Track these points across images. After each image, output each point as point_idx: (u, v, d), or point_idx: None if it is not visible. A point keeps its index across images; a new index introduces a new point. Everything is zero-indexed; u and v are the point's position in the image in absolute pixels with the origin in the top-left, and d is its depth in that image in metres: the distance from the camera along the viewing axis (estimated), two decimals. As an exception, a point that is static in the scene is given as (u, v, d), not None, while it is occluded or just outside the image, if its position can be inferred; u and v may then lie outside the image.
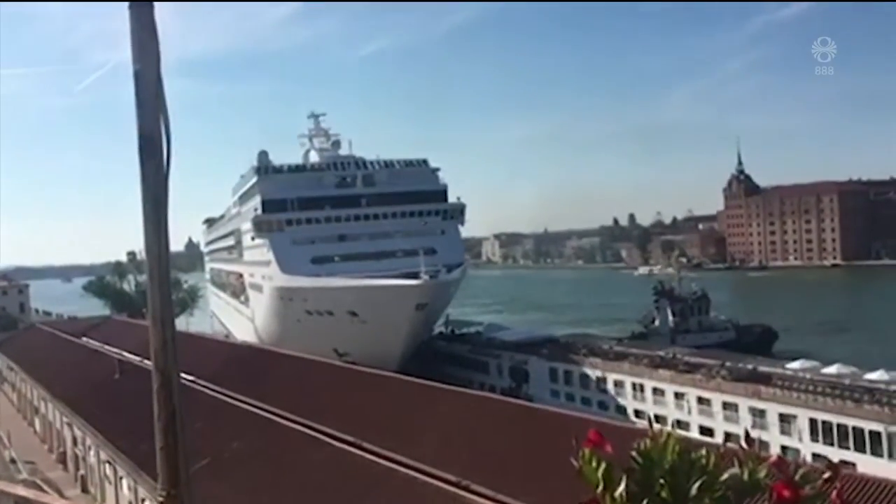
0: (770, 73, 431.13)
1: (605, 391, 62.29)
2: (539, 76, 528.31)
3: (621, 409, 59.85)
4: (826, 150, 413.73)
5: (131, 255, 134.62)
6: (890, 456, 42.34)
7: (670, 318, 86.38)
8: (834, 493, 1.53)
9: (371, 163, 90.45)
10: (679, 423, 54.52)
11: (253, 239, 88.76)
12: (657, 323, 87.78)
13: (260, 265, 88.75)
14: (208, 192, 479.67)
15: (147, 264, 2.43)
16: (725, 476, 1.54)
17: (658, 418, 56.06)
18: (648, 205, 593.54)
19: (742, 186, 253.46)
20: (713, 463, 1.54)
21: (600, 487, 1.56)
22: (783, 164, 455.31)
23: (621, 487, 1.53)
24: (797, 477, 1.50)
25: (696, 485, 1.51)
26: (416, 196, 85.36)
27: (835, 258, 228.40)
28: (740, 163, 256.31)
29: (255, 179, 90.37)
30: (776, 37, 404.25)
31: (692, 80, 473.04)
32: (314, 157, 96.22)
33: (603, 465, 1.55)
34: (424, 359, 73.84)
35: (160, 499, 2.49)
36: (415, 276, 68.53)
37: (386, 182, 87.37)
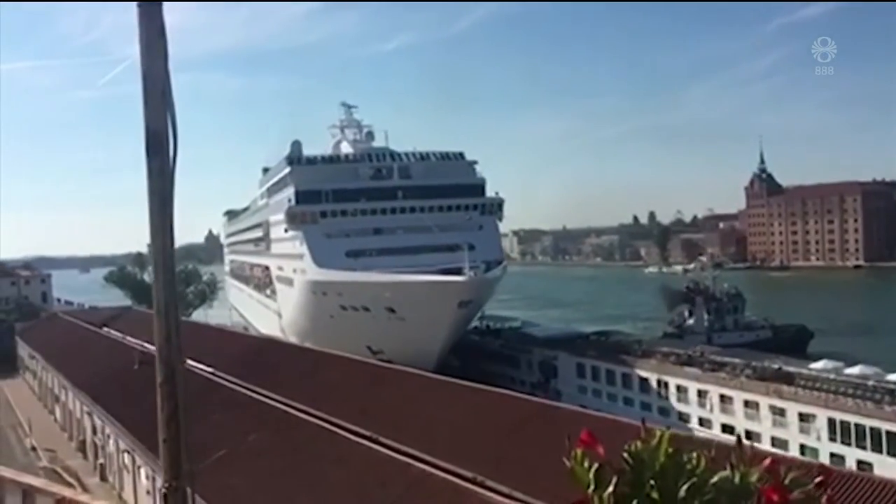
0: (792, 71, 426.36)
1: (630, 388, 62.41)
2: (560, 73, 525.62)
3: (646, 406, 59.92)
4: (850, 150, 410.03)
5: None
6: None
7: (705, 316, 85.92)
8: (825, 497, 1.52)
9: (406, 155, 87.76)
10: (702, 421, 54.63)
11: (286, 231, 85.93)
12: (692, 321, 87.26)
13: (291, 258, 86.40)
14: (229, 184, 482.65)
15: (152, 258, 2.44)
16: (715, 479, 1.53)
17: (682, 416, 56.32)
18: (668, 203, 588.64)
19: (764, 185, 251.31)
20: (704, 466, 1.53)
21: (591, 487, 1.56)
22: (806, 163, 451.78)
23: (610, 488, 1.53)
24: (787, 481, 1.49)
25: (685, 487, 1.51)
26: (454, 190, 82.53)
27: (857, 259, 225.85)
28: (763, 161, 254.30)
29: (287, 170, 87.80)
30: (799, 35, 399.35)
31: (714, 78, 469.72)
32: (345, 149, 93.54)
33: (595, 466, 1.55)
34: (457, 353, 73.51)
35: (163, 490, 2.51)
36: (456, 272, 66.18)
37: (422, 175, 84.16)
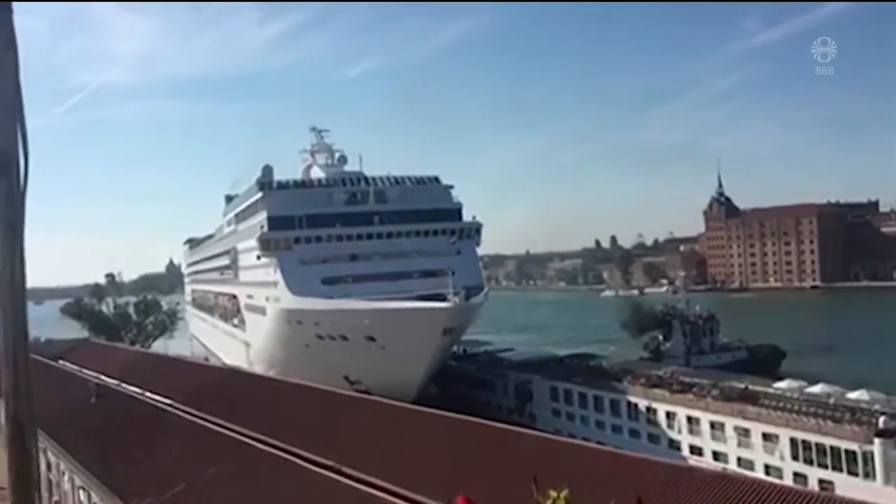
0: (751, 95, 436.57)
1: (602, 411, 62.49)
2: (523, 99, 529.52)
3: (617, 429, 60.05)
4: (805, 173, 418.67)
5: (110, 276, 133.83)
6: (865, 475, 42.45)
7: (682, 339, 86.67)
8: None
9: (381, 179, 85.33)
10: (671, 443, 54.83)
11: (259, 258, 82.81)
12: (668, 345, 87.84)
13: (263, 286, 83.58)
14: (190, 213, 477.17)
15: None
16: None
17: (651, 437, 56.50)
18: (630, 227, 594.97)
19: (722, 209, 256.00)
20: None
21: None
22: (763, 186, 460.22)
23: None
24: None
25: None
26: (431, 214, 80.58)
27: (814, 280, 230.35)
28: (720, 185, 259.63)
29: (258, 195, 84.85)
30: (758, 60, 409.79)
31: (675, 102, 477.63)
32: (316, 173, 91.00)
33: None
34: (436, 380, 72.51)
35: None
36: (436, 298, 64.28)
37: (398, 199, 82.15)
